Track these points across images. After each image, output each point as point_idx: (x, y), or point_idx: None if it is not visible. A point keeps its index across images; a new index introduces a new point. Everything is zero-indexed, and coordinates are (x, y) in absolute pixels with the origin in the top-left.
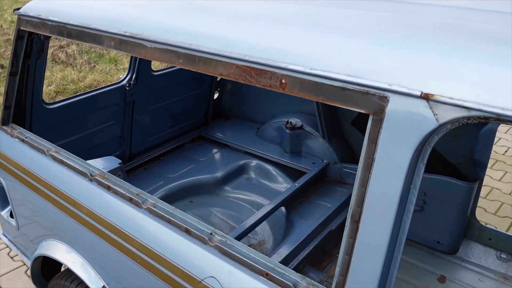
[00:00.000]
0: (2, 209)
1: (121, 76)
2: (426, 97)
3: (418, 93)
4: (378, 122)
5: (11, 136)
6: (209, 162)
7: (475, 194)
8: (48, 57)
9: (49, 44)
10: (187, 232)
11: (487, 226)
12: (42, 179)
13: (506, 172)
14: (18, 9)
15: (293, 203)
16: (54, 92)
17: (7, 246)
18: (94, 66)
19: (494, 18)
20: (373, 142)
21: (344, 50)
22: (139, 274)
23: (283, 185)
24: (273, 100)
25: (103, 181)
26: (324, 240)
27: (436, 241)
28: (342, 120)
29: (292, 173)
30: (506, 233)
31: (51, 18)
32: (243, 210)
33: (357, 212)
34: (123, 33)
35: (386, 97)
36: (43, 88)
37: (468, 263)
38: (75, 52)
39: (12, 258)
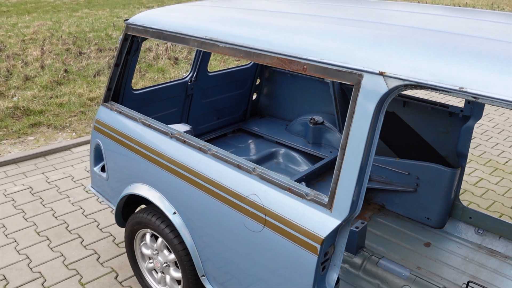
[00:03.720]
0: (95, 166)
1: (184, 74)
2: (381, 74)
3: (377, 72)
4: (357, 89)
5: (111, 109)
6: (246, 148)
7: (458, 179)
8: (105, 65)
9: (105, 54)
10: (238, 167)
11: (468, 207)
12: (134, 139)
13: (503, 178)
14: (127, 19)
15: (311, 180)
16: None
17: (81, 208)
18: (144, 74)
19: (428, 23)
20: (354, 101)
21: (340, 48)
22: (203, 199)
23: (305, 168)
24: (300, 102)
25: (180, 137)
26: None
27: (426, 217)
28: None
29: (313, 159)
30: (483, 213)
31: (152, 26)
32: None
33: (344, 144)
34: (204, 37)
35: (362, 75)
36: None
37: (451, 235)
38: None
39: (86, 216)
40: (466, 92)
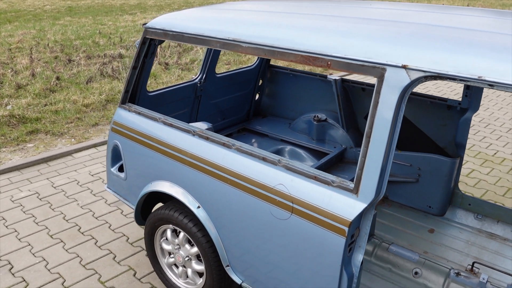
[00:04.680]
0: (112, 167)
1: (193, 76)
2: (404, 67)
3: (400, 65)
4: (381, 82)
5: (129, 111)
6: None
7: (457, 168)
8: (96, 71)
9: (95, 61)
10: (264, 159)
11: (467, 194)
12: (155, 138)
13: (493, 168)
14: (145, 24)
15: None
16: (105, 101)
17: (90, 210)
18: None
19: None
20: (378, 93)
21: (363, 45)
22: (228, 191)
23: (311, 164)
24: (302, 100)
25: (203, 134)
26: None
27: (428, 206)
28: (357, 115)
29: (317, 155)
30: (482, 199)
31: (173, 29)
32: None
33: (369, 132)
34: (227, 38)
35: (385, 68)
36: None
37: (453, 221)
38: (120, 67)
39: (96, 218)
40: (484, 80)
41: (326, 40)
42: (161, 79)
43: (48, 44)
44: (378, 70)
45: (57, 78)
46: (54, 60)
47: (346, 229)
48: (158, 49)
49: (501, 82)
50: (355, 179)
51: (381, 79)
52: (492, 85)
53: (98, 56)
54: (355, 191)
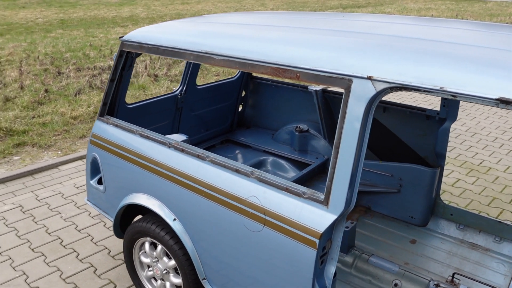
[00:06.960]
0: (91, 179)
1: (174, 88)
2: (370, 78)
3: (366, 76)
4: (348, 93)
5: (107, 123)
6: (235, 158)
7: (438, 178)
8: (85, 84)
9: (85, 73)
10: (237, 171)
11: (449, 204)
12: (132, 150)
13: (479, 178)
14: (122, 37)
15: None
16: (93, 113)
17: (73, 223)
18: None
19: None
20: (345, 104)
21: (330, 56)
22: (202, 203)
23: (293, 175)
24: (285, 111)
25: (178, 146)
26: None
27: (410, 216)
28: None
29: (300, 166)
30: (463, 209)
31: (148, 42)
32: None
33: (337, 143)
34: (200, 50)
35: (351, 80)
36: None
37: (435, 232)
38: None
39: (79, 231)
40: (446, 91)
41: (295, 52)
42: (150, 91)
43: (38, 57)
44: (345, 81)
45: (46, 91)
46: (43, 73)
47: (317, 241)
48: (148, 61)
49: (462, 93)
50: (325, 191)
51: (348, 90)
52: (454, 96)
53: (88, 68)
54: (325, 202)
